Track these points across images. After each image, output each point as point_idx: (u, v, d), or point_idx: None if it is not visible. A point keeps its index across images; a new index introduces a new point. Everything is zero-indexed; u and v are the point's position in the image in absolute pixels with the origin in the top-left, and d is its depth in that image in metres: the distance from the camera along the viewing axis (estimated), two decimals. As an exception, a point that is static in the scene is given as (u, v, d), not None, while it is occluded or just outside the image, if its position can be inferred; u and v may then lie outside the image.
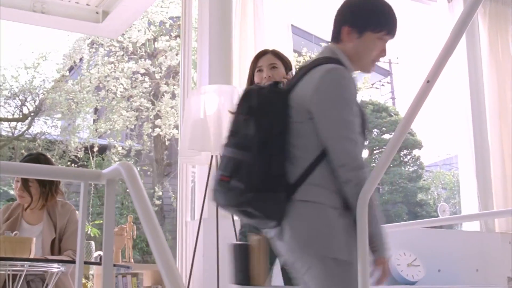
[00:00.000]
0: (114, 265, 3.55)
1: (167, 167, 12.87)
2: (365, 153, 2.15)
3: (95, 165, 11.72)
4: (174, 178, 11.88)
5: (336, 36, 2.29)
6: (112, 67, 12.05)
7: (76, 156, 11.80)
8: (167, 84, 11.93)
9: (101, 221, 9.53)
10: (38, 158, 3.52)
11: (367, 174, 2.05)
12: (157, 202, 11.92)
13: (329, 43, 2.33)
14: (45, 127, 12.54)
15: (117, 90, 12.02)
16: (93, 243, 3.77)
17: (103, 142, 12.51)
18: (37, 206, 3.51)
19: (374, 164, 13.02)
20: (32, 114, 12.24)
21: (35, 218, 3.53)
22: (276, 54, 3.16)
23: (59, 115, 12.57)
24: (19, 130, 12.27)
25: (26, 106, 12.26)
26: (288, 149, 2.12)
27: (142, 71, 12.01)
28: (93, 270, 4.64)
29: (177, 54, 11.55)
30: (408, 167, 15.30)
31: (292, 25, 5.11)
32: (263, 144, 2.07)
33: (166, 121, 11.68)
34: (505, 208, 5.26)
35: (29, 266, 2.95)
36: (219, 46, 4.57)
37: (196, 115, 3.91)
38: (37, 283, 3.35)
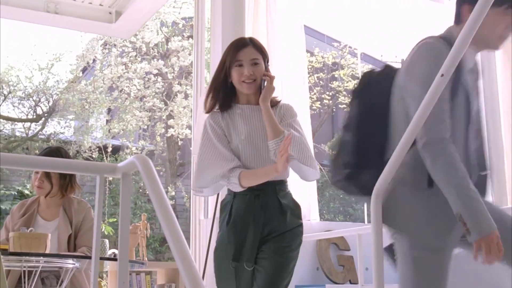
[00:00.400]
0: (129, 261, 3.57)
1: (180, 167, 12.90)
2: (460, 129, 2.04)
3: (109, 166, 11.73)
4: (187, 179, 11.90)
5: (457, 16, 2.24)
6: (125, 68, 12.09)
7: (90, 157, 11.85)
8: (179, 84, 11.95)
9: (115, 220, 9.57)
10: (58, 150, 3.58)
11: (447, 150, 2.02)
12: (170, 202, 11.92)
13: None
14: (59, 127, 12.62)
15: (130, 90, 12.06)
16: (107, 241, 3.79)
17: (116, 142, 12.56)
18: (57, 195, 3.55)
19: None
20: (45, 114, 12.31)
21: (50, 214, 3.57)
22: (257, 47, 2.83)
23: (73, 116, 12.64)
24: (33, 131, 12.34)
25: (40, 106, 12.33)
26: (386, 129, 2.19)
27: (155, 71, 12.04)
28: (107, 268, 4.66)
29: (189, 54, 11.57)
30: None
31: (304, 25, 5.11)
32: (361, 123, 2.22)
33: (179, 121, 11.70)
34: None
35: (44, 262, 2.98)
36: (232, 46, 4.57)
37: (209, 114, 3.91)
38: (51, 280, 3.38)
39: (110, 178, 10.55)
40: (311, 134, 4.74)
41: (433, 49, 2.11)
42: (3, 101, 12.07)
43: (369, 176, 2.12)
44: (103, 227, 7.78)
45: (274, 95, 2.82)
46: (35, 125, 12.37)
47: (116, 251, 3.64)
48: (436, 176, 2.03)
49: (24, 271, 3.02)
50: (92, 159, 11.87)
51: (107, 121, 12.90)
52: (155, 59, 12.08)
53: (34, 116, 12.30)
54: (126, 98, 12.20)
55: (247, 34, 4.73)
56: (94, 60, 12.56)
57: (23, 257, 2.91)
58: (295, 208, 2.77)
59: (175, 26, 12.24)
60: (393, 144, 2.12)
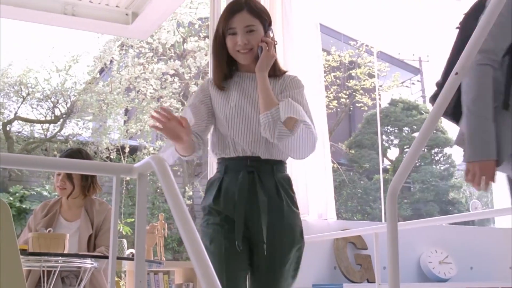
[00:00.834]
0: (146, 261, 3.60)
1: (197, 167, 12.94)
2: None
3: (126, 166, 11.79)
4: (204, 178, 11.94)
5: None
6: (142, 68, 12.16)
7: (107, 157, 11.93)
8: (196, 84, 11.99)
9: (133, 220, 9.63)
10: (79, 151, 3.64)
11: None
12: (188, 202, 11.98)
13: None
14: (77, 128, 12.72)
15: (147, 91, 12.12)
16: (125, 241, 3.82)
17: (134, 143, 12.63)
18: (79, 196, 3.60)
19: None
20: (64, 116, 12.41)
21: (72, 215, 3.61)
22: (253, 11, 2.45)
23: (90, 117, 12.73)
24: (51, 132, 12.45)
25: (58, 108, 12.43)
26: None
27: (172, 72, 12.10)
28: (125, 267, 4.69)
29: (206, 55, 11.61)
30: (440, 165, 15.16)
31: (320, 24, 5.10)
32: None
33: (196, 121, 11.71)
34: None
35: (63, 261, 3.01)
36: (247, 45, 4.58)
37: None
38: (71, 279, 3.41)
39: (128, 179, 10.61)
40: (327, 133, 4.73)
41: None
42: (22, 103, 12.19)
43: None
44: (121, 227, 7.83)
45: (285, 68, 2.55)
46: (54, 126, 12.48)
47: (134, 251, 3.67)
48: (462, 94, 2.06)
49: (43, 270, 3.06)
50: (109, 160, 11.95)
51: (124, 121, 12.98)
52: (171, 60, 12.14)
53: (53, 118, 12.41)
54: (143, 99, 12.26)
55: (263, 33, 4.73)
56: (111, 61, 12.65)
57: (42, 257, 2.94)
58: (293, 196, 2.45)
59: (191, 27, 12.29)
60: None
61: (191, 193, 12.09)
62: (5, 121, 11.99)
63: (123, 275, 6.51)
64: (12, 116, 12.15)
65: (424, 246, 4.73)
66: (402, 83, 17.27)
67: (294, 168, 4.13)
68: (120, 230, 7.79)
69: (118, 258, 3.30)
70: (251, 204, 2.33)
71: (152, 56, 12.28)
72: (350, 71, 14.11)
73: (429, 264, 4.62)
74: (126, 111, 13.12)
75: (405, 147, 14.68)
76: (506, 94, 2.04)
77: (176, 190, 1.39)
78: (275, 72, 2.48)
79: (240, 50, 2.43)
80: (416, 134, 14.62)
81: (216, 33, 2.50)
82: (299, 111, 2.31)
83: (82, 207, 3.60)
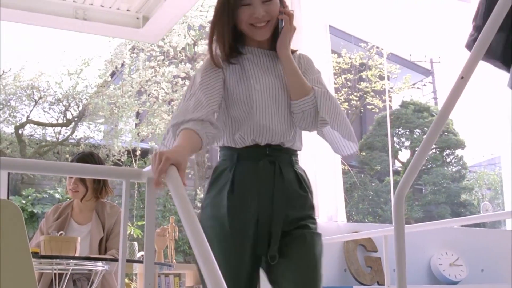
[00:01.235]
0: (156, 263, 3.63)
1: (208, 170, 12.96)
2: None
3: (138, 169, 11.86)
4: (215, 181, 11.94)
5: None
6: (153, 72, 12.20)
7: (119, 160, 11.98)
8: (207, 87, 12.00)
9: (144, 222, 9.71)
10: (91, 155, 3.67)
11: None
12: (199, 204, 12.01)
13: None
14: (88, 131, 12.79)
15: (158, 94, 12.16)
16: (136, 243, 3.84)
17: (145, 146, 12.67)
18: (91, 199, 3.62)
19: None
20: (75, 119, 12.48)
21: (84, 218, 3.64)
22: None
23: (102, 120, 12.80)
24: (63, 135, 12.52)
25: (70, 111, 12.50)
26: None
27: (183, 75, 12.13)
28: (137, 270, 4.72)
29: (216, 58, 11.62)
30: (451, 167, 15.12)
31: (331, 26, 5.11)
32: None
33: (207, 124, 11.74)
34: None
35: (74, 264, 3.04)
36: (257, 48, 4.59)
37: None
38: (82, 282, 3.44)
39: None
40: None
41: None
42: (34, 106, 12.27)
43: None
44: (132, 230, 7.86)
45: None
46: (66, 129, 12.55)
47: (144, 254, 3.69)
48: None
49: (55, 273, 3.09)
50: (121, 162, 12.00)
51: (136, 124, 13.03)
52: (182, 63, 12.18)
53: (64, 121, 12.48)
54: (155, 102, 12.31)
55: (272, 36, 4.74)
56: (122, 65, 12.70)
57: (53, 260, 2.97)
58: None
59: (202, 30, 12.32)
60: None
61: (202, 195, 12.10)
62: (18, 124, 12.07)
63: (134, 277, 6.54)
64: (24, 119, 12.23)
65: (435, 248, 4.71)
66: (413, 84, 17.23)
67: (303, 171, 4.13)
68: (131, 233, 7.82)
69: (128, 260, 3.32)
70: (272, 197, 2.02)
71: (163, 59, 12.32)
72: (361, 73, 14.11)
73: (440, 266, 4.61)
74: (138, 114, 13.17)
75: (416, 149, 14.65)
76: None
77: (184, 194, 1.41)
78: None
79: (256, 24, 2.08)
80: (427, 136, 14.57)
81: (223, 6, 2.10)
82: (338, 106, 2.13)
83: (94, 210, 3.63)
